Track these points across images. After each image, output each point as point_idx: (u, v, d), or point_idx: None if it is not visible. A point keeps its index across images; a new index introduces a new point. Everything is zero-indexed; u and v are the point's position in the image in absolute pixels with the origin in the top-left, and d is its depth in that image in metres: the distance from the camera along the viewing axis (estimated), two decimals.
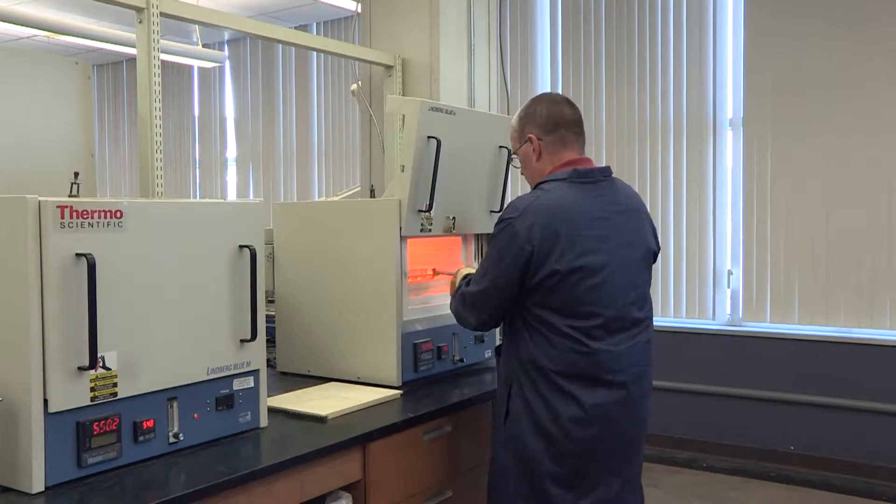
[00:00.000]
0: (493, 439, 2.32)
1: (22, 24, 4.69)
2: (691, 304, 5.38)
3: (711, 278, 5.34)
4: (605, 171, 2.27)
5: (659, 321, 5.42)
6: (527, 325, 2.17)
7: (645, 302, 2.27)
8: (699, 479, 4.84)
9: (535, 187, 2.27)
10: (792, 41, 4.95)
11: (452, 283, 2.56)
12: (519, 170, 2.42)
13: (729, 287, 5.32)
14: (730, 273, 5.30)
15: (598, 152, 5.61)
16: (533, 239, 2.09)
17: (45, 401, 1.67)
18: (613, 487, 2.18)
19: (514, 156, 2.41)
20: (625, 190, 2.31)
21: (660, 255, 5.96)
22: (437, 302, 2.86)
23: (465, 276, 2.44)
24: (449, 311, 2.87)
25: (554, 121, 2.27)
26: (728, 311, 5.33)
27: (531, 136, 2.28)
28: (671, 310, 5.42)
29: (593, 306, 2.11)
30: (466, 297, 2.31)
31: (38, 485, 1.67)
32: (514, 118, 2.39)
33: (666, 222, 5.38)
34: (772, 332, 5.05)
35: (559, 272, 2.08)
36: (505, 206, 3.02)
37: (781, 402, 4.98)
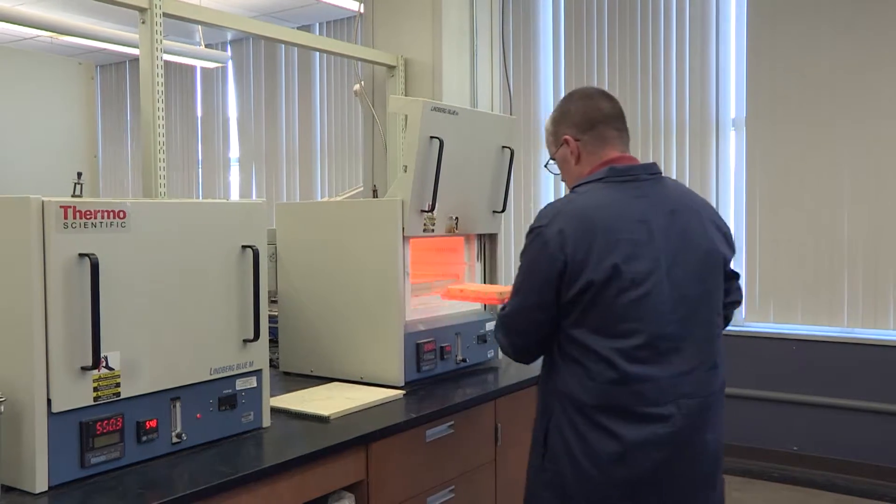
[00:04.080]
0: (530, 477, 2.05)
1: (25, 25, 4.70)
2: None
3: None
4: (650, 168, 2.03)
5: None
6: (561, 352, 1.94)
7: (709, 315, 1.97)
8: None
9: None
10: (795, 40, 4.94)
11: None
12: (559, 177, 2.19)
13: None
14: None
15: None
16: (565, 246, 1.86)
17: (49, 401, 1.68)
18: None
19: (551, 161, 2.18)
20: (677, 189, 2.06)
21: None
22: (440, 302, 2.86)
23: None
24: (451, 311, 2.89)
25: (590, 117, 2.05)
26: None
27: (567, 137, 2.07)
28: None
29: (634, 322, 1.85)
30: (503, 322, 2.06)
31: (41, 484, 1.67)
32: (548, 121, 2.17)
33: None
34: (775, 332, 5.05)
35: (594, 283, 1.84)
36: (504, 206, 3.03)
37: (785, 403, 4.97)
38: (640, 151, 5.47)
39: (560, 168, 2.16)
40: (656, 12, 5.42)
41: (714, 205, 5.28)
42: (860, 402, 4.74)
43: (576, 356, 1.90)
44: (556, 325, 1.94)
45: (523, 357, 2.09)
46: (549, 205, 2.01)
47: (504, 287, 2.64)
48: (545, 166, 2.25)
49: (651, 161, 2.09)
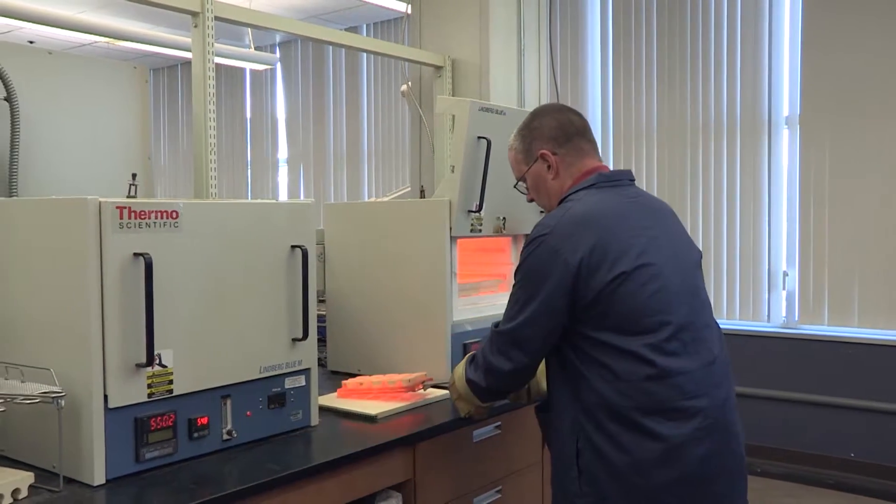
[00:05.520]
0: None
1: (84, 32, 4.84)
2: (745, 305, 5.28)
3: (766, 279, 5.23)
4: (629, 175, 2.08)
5: None
6: (583, 360, 1.87)
7: (710, 309, 2.02)
8: (753, 485, 4.67)
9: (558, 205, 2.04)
10: (851, 36, 4.81)
11: (452, 385, 2.21)
12: (527, 197, 2.19)
13: (784, 288, 5.20)
14: (785, 274, 5.18)
15: (649, 151, 5.54)
16: (578, 250, 1.84)
17: (105, 397, 1.72)
18: None
19: (520, 183, 2.18)
20: (650, 194, 2.14)
21: (713, 256, 5.81)
22: (487, 302, 2.85)
23: (472, 356, 2.14)
24: (498, 311, 2.86)
25: (566, 130, 2.07)
26: (783, 313, 5.21)
27: (544, 152, 2.06)
28: (724, 311, 5.32)
29: (660, 314, 1.84)
30: (500, 339, 1.98)
31: (99, 477, 1.72)
32: (513, 139, 2.16)
33: (719, 222, 5.28)
34: (830, 335, 4.92)
35: (615, 279, 1.82)
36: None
37: (840, 408, 4.84)
38: (691, 150, 5.39)
39: (533, 185, 2.13)
40: (706, 7, 5.33)
41: (766, 203, 5.18)
42: None
43: (601, 359, 1.84)
44: (562, 337, 1.90)
45: (521, 377, 2.04)
46: (546, 216, 1.99)
47: (410, 374, 2.43)
48: (515, 187, 2.20)
49: (627, 168, 2.15)
